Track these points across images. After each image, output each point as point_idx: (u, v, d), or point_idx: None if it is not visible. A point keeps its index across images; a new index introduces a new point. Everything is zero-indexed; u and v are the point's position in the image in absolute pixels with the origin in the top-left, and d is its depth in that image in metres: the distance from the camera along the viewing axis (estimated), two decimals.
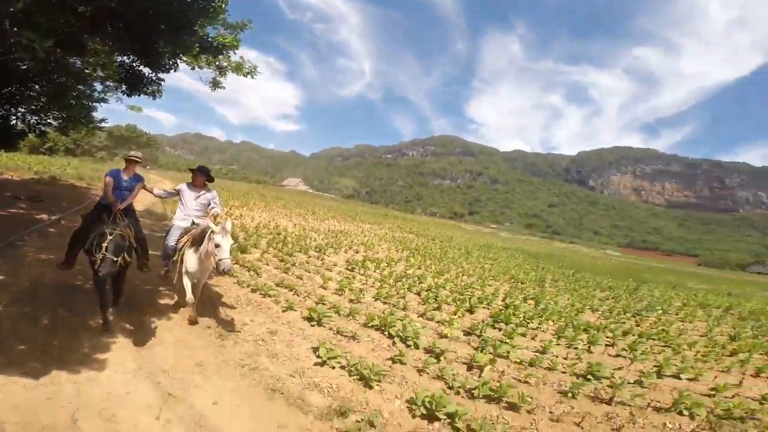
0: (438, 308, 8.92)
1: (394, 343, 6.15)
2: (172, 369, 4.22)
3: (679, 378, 6.54)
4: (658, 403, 5.30)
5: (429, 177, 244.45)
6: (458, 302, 9.56)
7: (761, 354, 8.90)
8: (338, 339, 6.01)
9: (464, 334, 7.32)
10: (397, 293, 9.56)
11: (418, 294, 10.16)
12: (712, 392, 5.98)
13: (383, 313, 7.35)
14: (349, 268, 12.29)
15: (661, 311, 13.52)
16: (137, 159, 5.48)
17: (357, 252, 16.10)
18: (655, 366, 6.79)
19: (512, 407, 4.66)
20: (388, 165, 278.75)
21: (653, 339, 9.09)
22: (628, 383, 5.93)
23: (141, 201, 18.15)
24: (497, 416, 4.46)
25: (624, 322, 10.60)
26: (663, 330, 10.06)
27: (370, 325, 6.73)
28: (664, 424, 4.76)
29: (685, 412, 5.03)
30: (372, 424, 3.81)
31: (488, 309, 9.74)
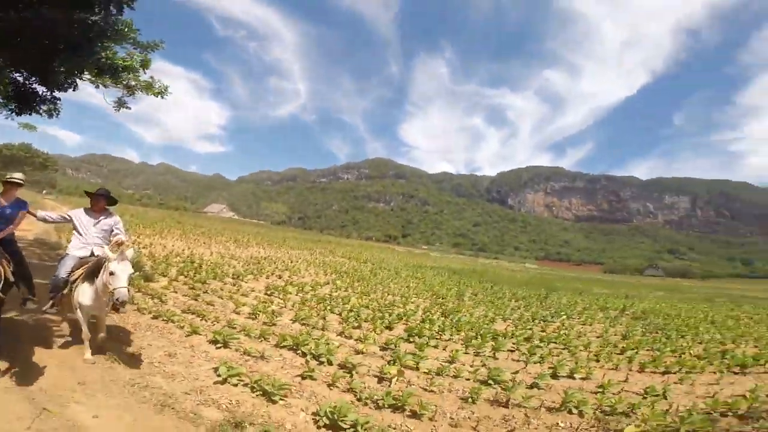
0: (358, 327, 8.98)
1: (307, 362, 6.10)
2: (52, 387, 4.05)
3: (573, 378, 7.08)
4: (551, 403, 5.68)
5: (364, 200, 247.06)
6: (378, 320, 9.68)
7: (647, 350, 9.94)
8: (245, 359, 5.87)
9: (380, 349, 7.46)
10: (318, 315, 9.49)
11: (340, 314, 10.10)
12: (600, 389, 6.45)
13: (299, 333, 7.24)
14: (268, 293, 11.88)
15: (565, 316, 14.89)
16: (18, 181, 4.89)
17: (280, 277, 15.59)
18: (550, 368, 7.36)
19: (415, 415, 4.85)
20: (323, 189, 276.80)
21: (554, 342, 9.92)
22: (526, 386, 6.39)
23: (31, 229, 16.09)
24: (401, 424, 4.62)
25: (530, 329, 11.45)
26: (564, 333, 11.07)
27: (282, 345, 6.62)
28: (557, 423, 5.10)
29: (574, 411, 5.41)
30: None
31: (406, 324, 9.97)
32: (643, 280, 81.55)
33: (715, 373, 7.89)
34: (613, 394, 6.25)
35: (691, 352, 9.77)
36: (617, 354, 9.21)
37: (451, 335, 9.31)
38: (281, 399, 4.64)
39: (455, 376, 6.47)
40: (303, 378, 5.46)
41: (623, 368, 8.04)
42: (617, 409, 5.42)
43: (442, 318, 11.46)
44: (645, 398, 6.09)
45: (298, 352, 6.47)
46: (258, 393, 4.68)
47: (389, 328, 9.43)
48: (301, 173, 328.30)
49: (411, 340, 8.39)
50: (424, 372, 6.47)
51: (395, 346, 7.53)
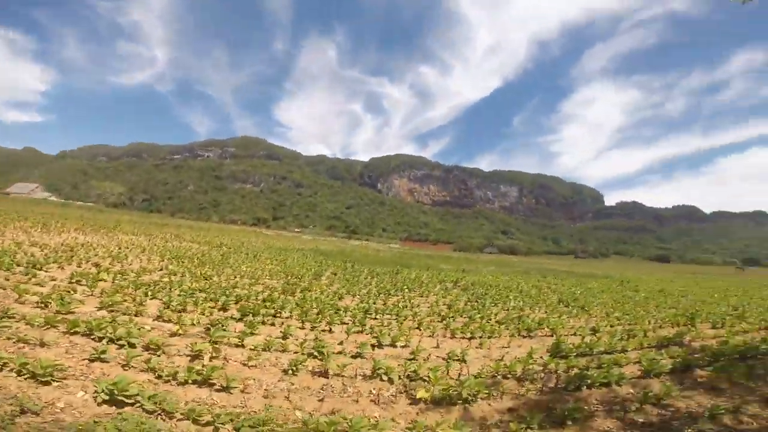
0: (182, 310, 8.29)
1: (99, 345, 5.54)
2: None
3: (395, 346, 7.64)
4: (366, 371, 6.01)
5: (228, 181, 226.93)
6: (209, 302, 9.02)
7: (463, 317, 11.25)
8: (18, 347, 5.35)
9: (205, 330, 7.05)
10: (133, 301, 8.33)
11: (163, 300, 9.02)
12: (412, 356, 6.97)
13: (100, 319, 6.43)
14: (73, 281, 9.84)
15: (407, 289, 16.39)
16: None
17: (98, 265, 13.09)
18: (374, 337, 7.86)
19: (224, 389, 4.78)
20: (176, 167, 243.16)
21: (388, 314, 10.70)
22: (351, 356, 6.69)
23: None
24: (206, 398, 4.55)
25: (373, 302, 12.19)
26: (402, 305, 12.13)
27: (73, 331, 6.05)
28: (370, 390, 5.40)
29: (384, 378, 5.83)
30: (32, 412, 3.78)
31: (247, 304, 9.50)
32: (482, 257, 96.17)
33: (508, 337, 9.33)
34: (424, 359, 6.88)
35: (496, 318, 11.46)
36: (438, 322, 10.22)
37: (291, 312, 9.21)
38: (55, 381, 4.45)
39: (283, 350, 6.51)
40: (92, 360, 5.16)
41: (439, 335, 8.93)
42: (419, 375, 5.92)
43: (290, 297, 11.30)
44: (448, 362, 6.71)
45: (93, 337, 5.94)
46: (26, 376, 4.42)
47: (224, 309, 8.99)
48: (149, 149, 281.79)
49: (243, 319, 8.04)
50: (251, 348, 6.37)
51: (223, 326, 7.13)
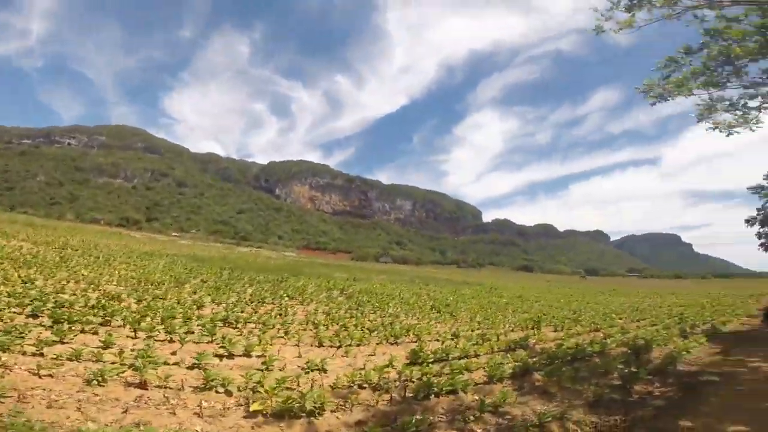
0: None
1: None
2: None
3: (249, 356, 6.95)
4: (199, 382, 5.24)
5: (92, 173, 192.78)
6: (19, 307, 7.18)
7: (338, 325, 10.81)
8: None
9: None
10: None
11: None
12: (264, 366, 6.28)
13: None
14: None
15: (287, 297, 15.54)
16: None
17: None
18: (221, 347, 7.00)
19: None
20: (23, 153, 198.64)
21: (252, 322, 9.81)
22: (187, 366, 5.78)
23: None
24: None
25: (241, 311, 11.12)
26: (274, 314, 11.32)
27: None
28: (199, 402, 4.66)
29: (220, 389, 5.14)
30: None
31: (68, 311, 7.73)
32: (377, 266, 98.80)
33: (375, 344, 9.16)
34: (279, 369, 6.32)
35: (371, 324, 11.31)
36: (310, 330, 9.71)
37: (123, 321, 7.77)
38: None
39: (96, 360, 5.48)
40: None
41: (307, 343, 8.44)
42: (263, 385, 5.28)
43: (134, 305, 9.60)
44: (306, 372, 6.30)
45: None
46: None
47: (34, 315, 7.36)
48: None
49: (54, 327, 6.52)
50: (52, 357, 5.31)
51: (21, 333, 5.77)
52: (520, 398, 5.89)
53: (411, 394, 5.79)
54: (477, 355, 8.51)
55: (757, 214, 15.18)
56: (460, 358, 8.12)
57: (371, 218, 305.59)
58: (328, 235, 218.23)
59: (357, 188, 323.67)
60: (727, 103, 11.41)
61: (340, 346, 8.58)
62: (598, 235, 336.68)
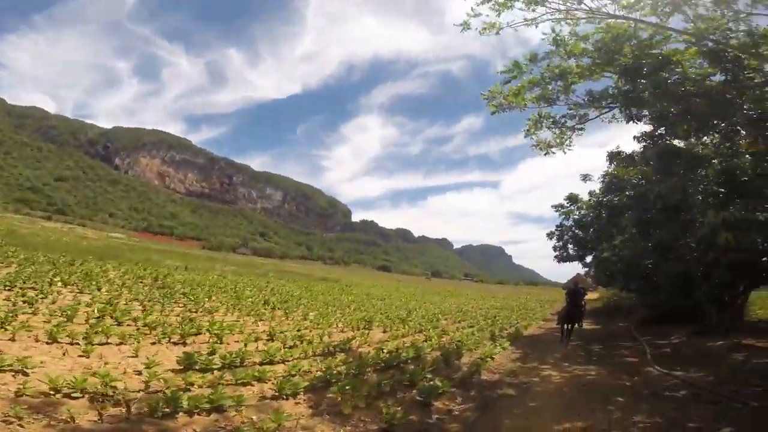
0: None
1: None
2: None
3: None
4: None
5: None
6: None
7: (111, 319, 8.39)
8: None
9: None
10: None
11: None
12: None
13: None
14: None
15: (61, 283, 11.68)
16: None
17: None
18: None
19: None
20: None
21: None
22: None
23: None
24: None
25: None
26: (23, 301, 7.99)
27: None
28: None
29: None
30: None
31: None
32: (230, 257, 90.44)
33: (150, 344, 7.20)
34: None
35: (150, 320, 8.84)
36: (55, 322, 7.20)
37: None
38: None
39: None
40: None
41: (28, 338, 6.25)
42: None
43: None
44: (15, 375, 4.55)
45: None
46: None
47: None
48: None
49: None
50: None
51: None
52: (308, 420, 4.66)
53: (146, 410, 4.05)
54: (285, 361, 7.12)
55: (555, 230, 17.97)
56: (261, 364, 6.66)
57: (233, 204, 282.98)
58: (177, 218, 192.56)
59: (221, 170, 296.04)
60: (551, 120, 12.79)
61: (75, 343, 6.36)
62: (445, 243, 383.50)
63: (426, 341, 10.23)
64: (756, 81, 7.04)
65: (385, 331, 12.14)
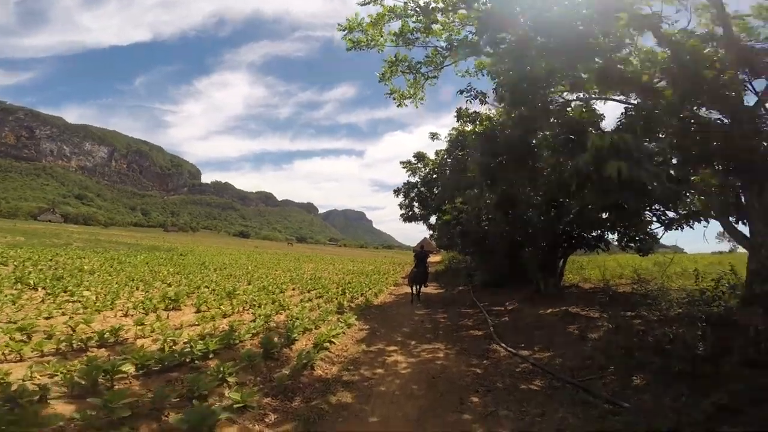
0: None
1: None
2: None
3: None
4: None
5: None
6: None
7: None
8: None
9: None
10: None
11: None
12: None
13: None
14: None
15: None
16: None
17: None
18: None
19: None
20: None
21: None
22: None
23: None
24: None
25: None
26: None
27: None
28: None
29: None
30: None
31: None
32: (23, 225, 69.42)
33: None
34: None
35: None
36: None
37: None
38: None
39: None
40: None
41: None
42: None
43: None
44: None
45: None
46: None
47: None
48: None
49: None
50: None
51: None
52: None
53: None
54: None
55: (402, 186, 17.40)
56: None
57: (34, 161, 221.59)
58: None
59: (18, 122, 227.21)
60: (407, 64, 11.23)
61: None
62: (310, 207, 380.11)
63: (254, 321, 7.82)
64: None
65: (198, 311, 9.21)
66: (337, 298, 11.76)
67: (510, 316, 9.75)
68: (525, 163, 8.48)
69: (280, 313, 9.35)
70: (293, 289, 14.15)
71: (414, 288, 12.98)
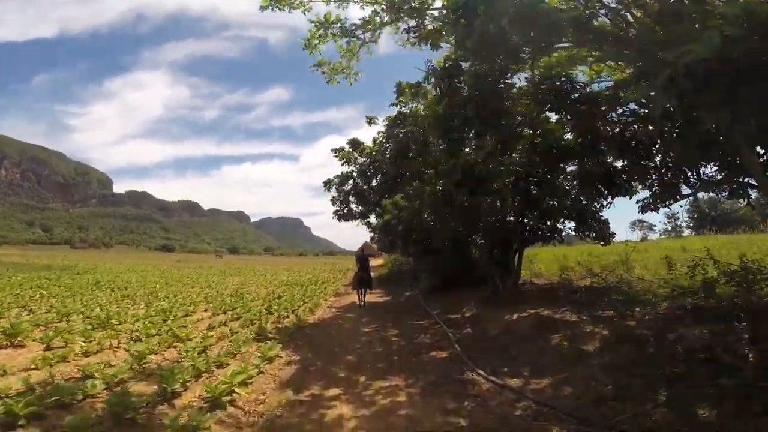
0: None
1: None
2: None
3: None
4: None
5: None
6: None
7: None
8: None
9: None
10: None
11: None
12: None
13: None
14: None
15: None
16: None
17: None
18: None
19: None
20: None
21: None
22: None
23: None
24: None
25: None
26: None
27: None
28: None
29: None
30: None
31: None
32: None
33: None
34: None
35: None
36: None
37: None
38: None
39: None
40: None
41: None
42: None
43: None
44: None
45: None
46: None
47: None
48: None
49: None
50: None
51: None
52: None
53: None
54: None
55: (334, 178, 15.32)
56: None
57: None
58: None
59: None
60: (339, 26, 9.28)
61: None
62: (240, 215, 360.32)
63: (125, 362, 5.32)
64: None
65: (49, 348, 6.40)
66: (259, 319, 9.35)
67: (472, 326, 8.17)
68: (497, 116, 7.00)
69: (175, 346, 6.83)
70: (205, 311, 11.37)
71: (360, 292, 12.78)
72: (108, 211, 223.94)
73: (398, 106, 11.30)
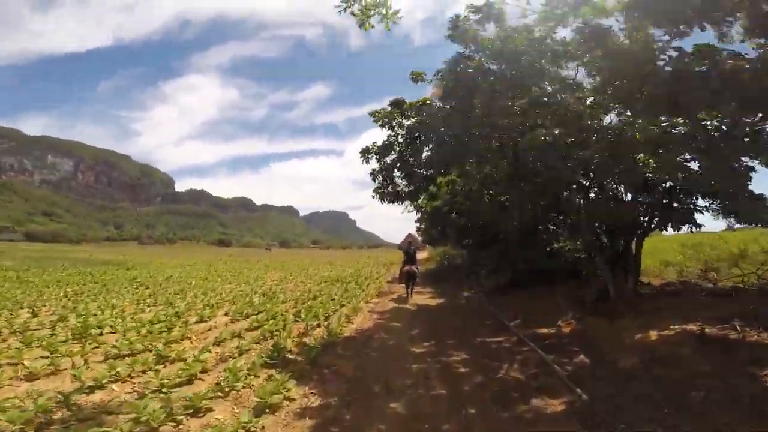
0: None
1: None
2: None
3: None
4: None
5: None
6: None
7: None
8: None
9: None
10: None
11: None
12: None
13: None
14: None
15: None
16: None
17: None
18: None
19: None
20: None
21: None
22: None
23: None
24: None
25: None
26: None
27: None
28: None
29: None
30: None
31: None
32: None
33: None
34: None
35: None
36: None
37: None
38: None
39: None
40: None
41: None
42: None
43: None
44: None
45: None
46: None
47: None
48: None
49: None
50: None
51: None
52: None
53: None
54: None
55: (372, 146, 12.46)
56: None
57: None
58: None
59: None
60: None
61: None
62: (290, 210, 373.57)
63: (35, 403, 3.37)
64: None
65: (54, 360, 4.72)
66: (281, 331, 7.24)
67: (585, 350, 5.44)
68: None
69: (156, 369, 4.87)
70: (225, 314, 9.55)
71: (408, 286, 12.63)
72: (171, 209, 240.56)
73: (453, 41, 8.31)
